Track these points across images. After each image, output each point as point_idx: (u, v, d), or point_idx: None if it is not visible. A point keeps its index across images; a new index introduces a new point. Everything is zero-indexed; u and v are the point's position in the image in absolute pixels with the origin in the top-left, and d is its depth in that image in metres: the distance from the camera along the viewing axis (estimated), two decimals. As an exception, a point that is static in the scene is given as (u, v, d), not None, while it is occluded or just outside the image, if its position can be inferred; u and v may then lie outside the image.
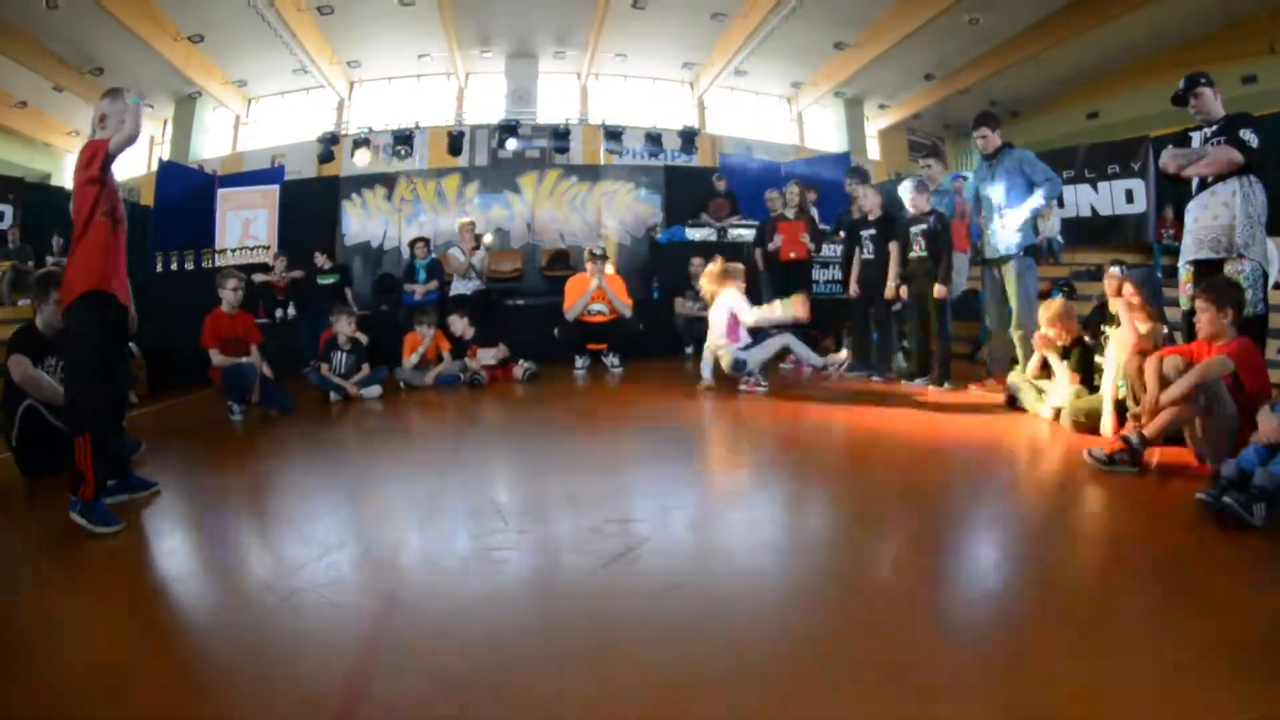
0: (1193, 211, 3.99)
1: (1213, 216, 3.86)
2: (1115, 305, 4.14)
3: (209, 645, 1.99)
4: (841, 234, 6.64)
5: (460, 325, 6.93)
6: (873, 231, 6.17)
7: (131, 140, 3.02)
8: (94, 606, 2.30)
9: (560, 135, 11.88)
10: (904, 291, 5.84)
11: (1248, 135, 3.76)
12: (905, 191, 5.85)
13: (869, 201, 6.24)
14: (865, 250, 6.23)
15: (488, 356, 6.81)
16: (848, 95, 15.10)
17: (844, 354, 5.97)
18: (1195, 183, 3.98)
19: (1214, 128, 3.92)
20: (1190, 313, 3.63)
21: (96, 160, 2.97)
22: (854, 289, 6.36)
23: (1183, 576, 2.26)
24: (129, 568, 2.56)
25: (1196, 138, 4.01)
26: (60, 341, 3.61)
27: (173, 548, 2.89)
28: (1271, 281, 4.06)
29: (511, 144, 11.68)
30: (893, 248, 5.99)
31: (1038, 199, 5.05)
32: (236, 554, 2.77)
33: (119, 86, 3.15)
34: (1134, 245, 8.57)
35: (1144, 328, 3.90)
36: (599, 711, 1.61)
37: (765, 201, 7.74)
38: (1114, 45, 11.86)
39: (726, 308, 5.77)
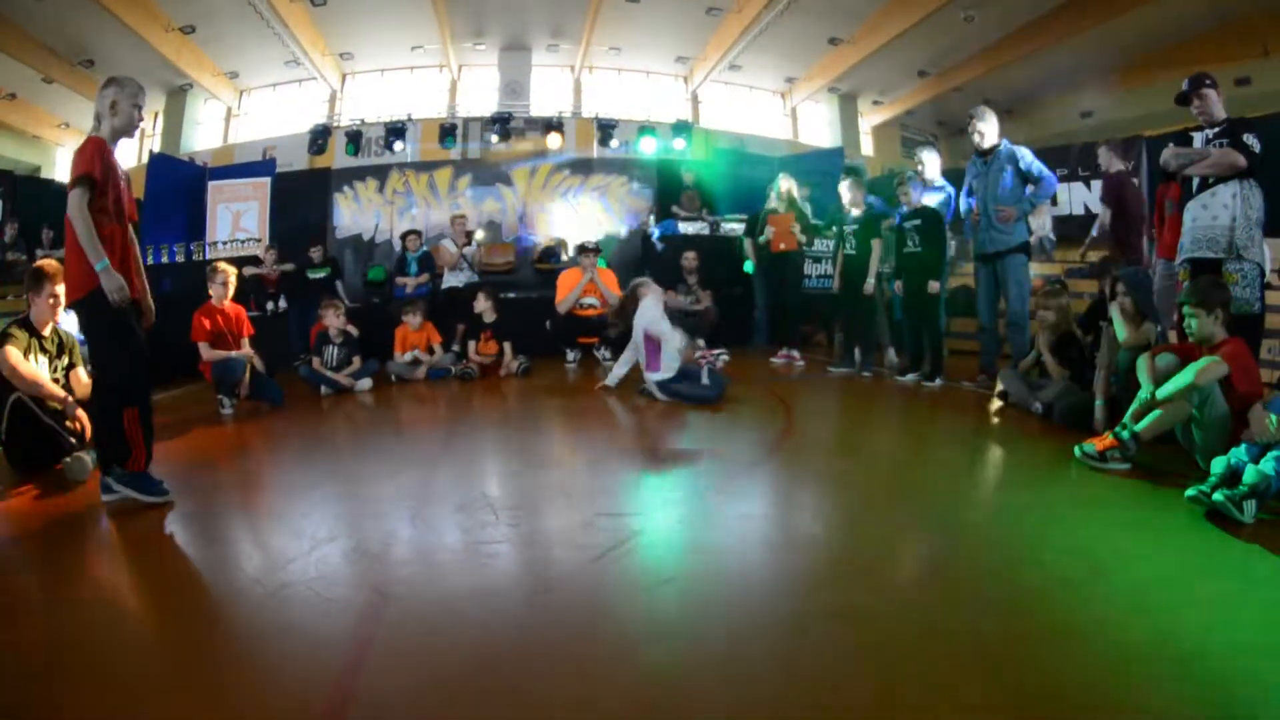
0: (1192, 211, 4.02)
1: (1212, 217, 3.90)
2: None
3: (197, 640, 1.97)
4: (834, 229, 6.71)
5: (484, 305, 6.89)
6: (854, 227, 6.27)
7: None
8: (80, 601, 2.28)
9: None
10: (899, 287, 5.85)
11: (1251, 140, 3.80)
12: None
13: (848, 198, 6.37)
14: (848, 246, 6.35)
15: (512, 365, 6.79)
16: (841, 91, 15.06)
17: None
18: (1195, 183, 3.99)
19: (1216, 129, 3.93)
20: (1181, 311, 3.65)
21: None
22: (837, 283, 6.53)
23: (1174, 574, 2.27)
24: (117, 562, 2.54)
25: (1198, 138, 4.02)
26: (61, 337, 3.90)
27: (161, 542, 2.85)
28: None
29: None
30: (875, 244, 6.10)
31: (1035, 196, 5.12)
32: (225, 548, 2.75)
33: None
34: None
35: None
36: (592, 708, 1.60)
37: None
38: (1108, 45, 11.83)
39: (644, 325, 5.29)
